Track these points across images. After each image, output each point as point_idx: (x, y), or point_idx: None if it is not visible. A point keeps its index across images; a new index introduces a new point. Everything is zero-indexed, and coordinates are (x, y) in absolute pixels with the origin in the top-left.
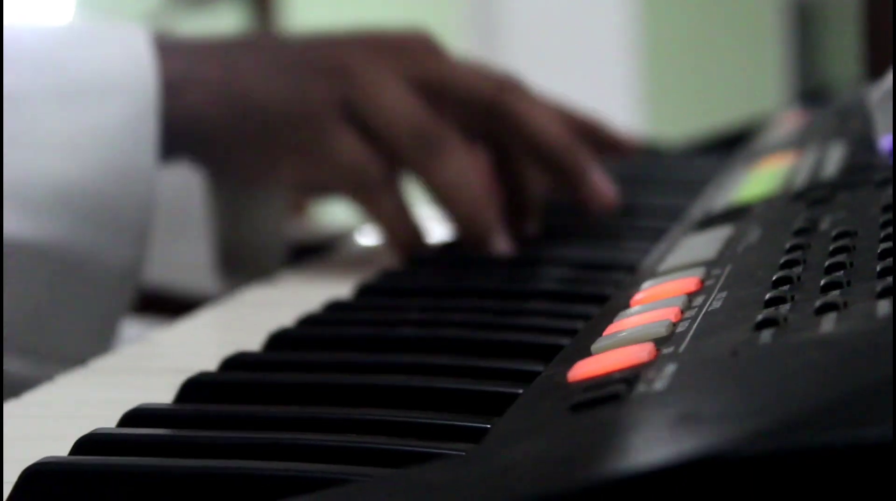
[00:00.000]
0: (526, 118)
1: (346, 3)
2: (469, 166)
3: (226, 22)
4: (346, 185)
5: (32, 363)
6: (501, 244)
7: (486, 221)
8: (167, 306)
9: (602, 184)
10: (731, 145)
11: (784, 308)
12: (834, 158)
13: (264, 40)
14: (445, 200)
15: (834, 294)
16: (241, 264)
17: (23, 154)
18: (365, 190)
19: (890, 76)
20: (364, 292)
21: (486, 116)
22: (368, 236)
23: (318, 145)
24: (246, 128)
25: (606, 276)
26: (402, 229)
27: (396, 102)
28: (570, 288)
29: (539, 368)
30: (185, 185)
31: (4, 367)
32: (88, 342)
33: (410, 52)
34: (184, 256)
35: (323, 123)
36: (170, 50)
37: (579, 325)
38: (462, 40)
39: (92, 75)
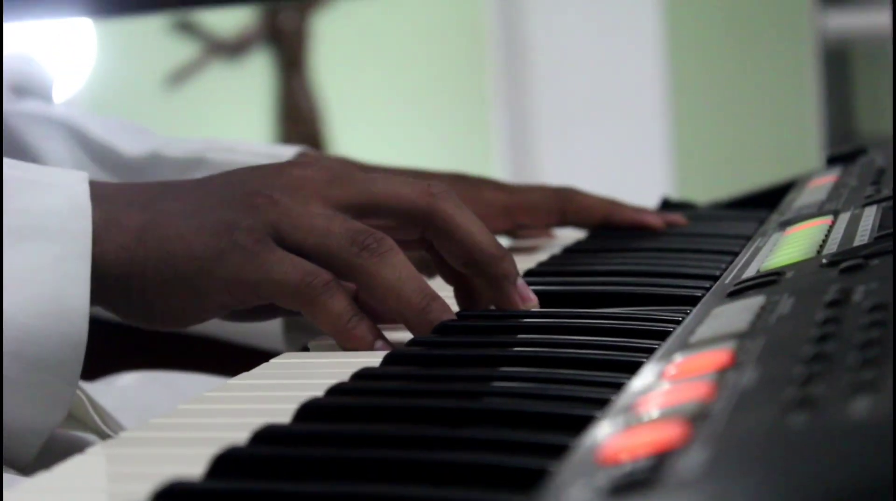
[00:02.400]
0: (459, 225)
1: (370, 56)
2: (408, 263)
3: (255, 72)
4: (288, 300)
5: None
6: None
7: (440, 312)
8: (237, 358)
9: (526, 291)
10: (766, 202)
11: (819, 388)
12: (866, 224)
13: (186, 183)
14: (393, 297)
15: (868, 373)
16: (301, 319)
17: None
18: (308, 298)
19: None
20: (392, 361)
21: (418, 223)
22: None
23: (251, 271)
24: (170, 270)
25: (638, 343)
26: (353, 328)
27: (325, 220)
28: (601, 355)
29: (569, 441)
30: None
31: None
32: (17, 447)
33: (332, 179)
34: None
35: (254, 249)
36: (97, 197)
37: (610, 395)
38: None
39: (31, 219)
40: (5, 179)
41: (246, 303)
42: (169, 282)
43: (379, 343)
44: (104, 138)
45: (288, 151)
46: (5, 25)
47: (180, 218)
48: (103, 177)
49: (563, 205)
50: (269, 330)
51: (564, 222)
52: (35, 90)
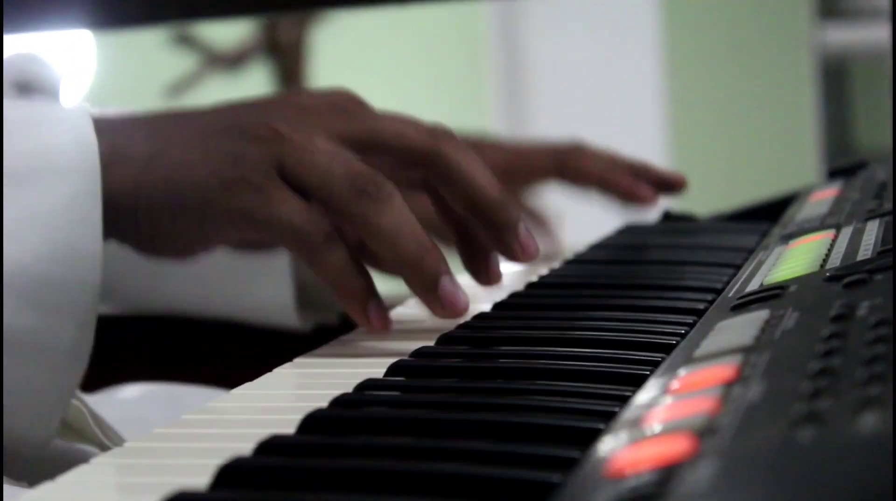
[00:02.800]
0: (462, 169)
1: (368, 68)
2: (408, 210)
3: (254, 85)
4: (289, 244)
5: None
6: (450, 288)
7: (433, 262)
8: (252, 340)
9: (527, 239)
10: (767, 214)
11: (825, 403)
12: (869, 238)
13: (191, 113)
14: (389, 245)
15: (874, 389)
16: (315, 299)
17: None
18: (309, 248)
19: None
20: (396, 371)
21: (421, 165)
22: (411, 307)
23: (258, 207)
24: (176, 198)
25: (642, 355)
26: (349, 283)
27: (328, 158)
28: (606, 368)
29: (576, 454)
30: None
31: None
32: (34, 422)
33: (337, 111)
34: (269, 292)
35: (260, 184)
36: (101, 130)
37: (616, 407)
38: (492, 113)
39: (37, 158)
40: (7, 121)
41: (248, 236)
42: (175, 211)
43: (373, 306)
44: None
45: None
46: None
47: (186, 147)
48: None
49: (561, 165)
50: (282, 308)
51: (563, 181)
52: (40, 88)
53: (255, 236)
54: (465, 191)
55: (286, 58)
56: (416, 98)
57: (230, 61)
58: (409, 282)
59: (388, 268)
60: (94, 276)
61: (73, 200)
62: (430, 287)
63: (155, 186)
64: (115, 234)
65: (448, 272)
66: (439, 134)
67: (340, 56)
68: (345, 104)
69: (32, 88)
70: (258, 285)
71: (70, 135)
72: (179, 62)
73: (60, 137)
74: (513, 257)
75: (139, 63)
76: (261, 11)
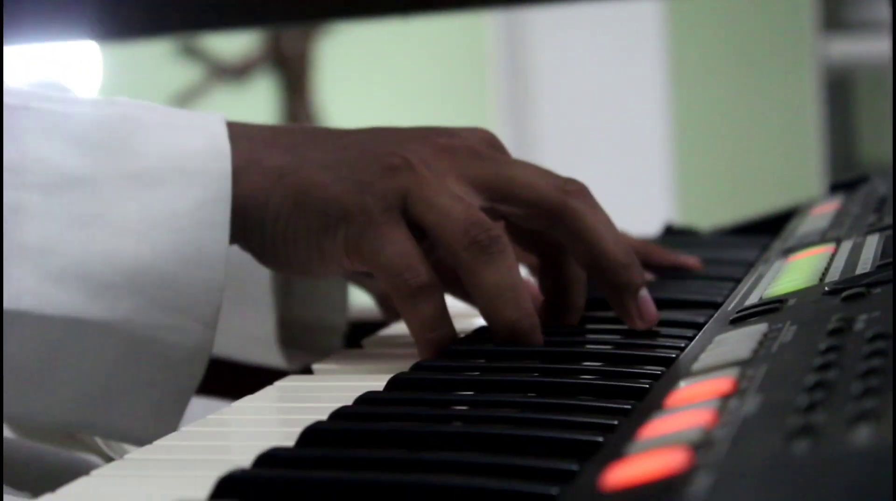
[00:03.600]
0: (590, 226)
1: (372, 80)
2: (516, 271)
3: (259, 96)
4: (386, 284)
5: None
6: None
7: (527, 331)
8: (229, 376)
9: (648, 307)
10: (769, 228)
11: (821, 416)
12: (869, 252)
13: (328, 131)
14: (488, 302)
15: (869, 402)
16: (303, 339)
17: (94, 236)
18: (403, 293)
19: None
20: (396, 385)
21: (548, 218)
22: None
23: (368, 240)
24: (303, 218)
25: (643, 369)
26: (433, 337)
27: (451, 200)
28: (607, 382)
29: (575, 466)
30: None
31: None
32: (154, 421)
33: (473, 154)
34: (249, 326)
35: (377, 218)
36: (237, 136)
37: (616, 421)
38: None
39: (170, 161)
40: (144, 123)
41: (358, 267)
42: (299, 229)
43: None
44: None
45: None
46: (14, 48)
47: (320, 166)
48: None
49: None
50: (264, 346)
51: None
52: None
53: (363, 267)
54: (590, 248)
55: (291, 69)
56: (420, 109)
57: (236, 73)
58: (497, 339)
59: (484, 319)
60: (219, 278)
61: (202, 203)
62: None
63: (284, 202)
64: (240, 240)
65: (539, 343)
66: (570, 188)
67: (345, 68)
68: (482, 148)
69: None
70: (238, 320)
71: (204, 140)
72: (185, 73)
73: (194, 142)
74: (630, 320)
75: (145, 74)
76: (265, 23)
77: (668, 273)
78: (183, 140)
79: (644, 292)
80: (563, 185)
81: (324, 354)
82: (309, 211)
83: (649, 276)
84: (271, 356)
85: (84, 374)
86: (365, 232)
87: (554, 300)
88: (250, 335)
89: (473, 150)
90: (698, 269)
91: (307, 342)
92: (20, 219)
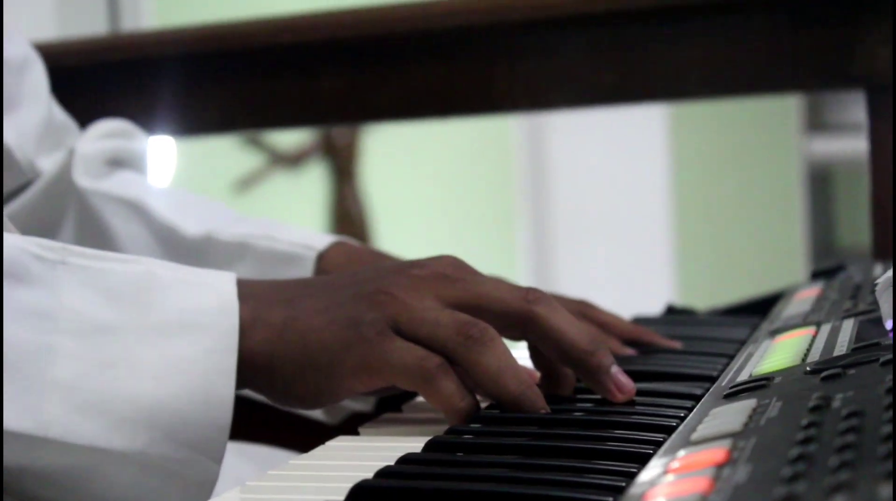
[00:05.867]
0: (554, 327)
1: (413, 170)
2: (509, 352)
3: (312, 181)
4: (406, 382)
5: None
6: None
7: (533, 400)
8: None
9: (620, 382)
10: (758, 309)
11: (802, 486)
12: (845, 336)
13: (321, 282)
14: (493, 383)
15: (844, 475)
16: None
17: (117, 377)
18: (423, 381)
19: (891, 270)
20: (433, 447)
21: (517, 326)
22: None
23: (374, 359)
24: (307, 360)
25: (646, 436)
26: (460, 408)
27: (437, 313)
28: (616, 447)
29: None
30: None
31: None
32: None
33: (443, 279)
34: None
35: (374, 340)
36: (245, 294)
37: (623, 483)
38: (517, 216)
39: (185, 315)
40: (163, 280)
41: (370, 386)
42: (306, 369)
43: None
44: (167, 218)
45: (322, 241)
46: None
47: (315, 314)
48: (164, 255)
49: None
50: None
51: None
52: (129, 163)
53: (376, 384)
54: (558, 346)
55: (340, 158)
56: (451, 200)
57: (291, 161)
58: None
59: (492, 399)
60: (226, 418)
61: (211, 353)
62: None
63: (289, 350)
64: (252, 385)
65: (545, 408)
66: (532, 297)
67: (388, 157)
68: (451, 272)
69: (122, 162)
70: None
71: (214, 298)
72: (247, 161)
73: (207, 299)
74: (610, 395)
75: (212, 161)
76: (320, 123)
77: (670, 350)
78: (196, 297)
79: (615, 369)
80: (525, 295)
81: (370, 402)
82: (311, 353)
83: (629, 350)
84: (314, 412)
85: (106, 490)
86: (368, 354)
87: (547, 374)
88: None
89: (444, 275)
90: (675, 348)
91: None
92: (53, 358)
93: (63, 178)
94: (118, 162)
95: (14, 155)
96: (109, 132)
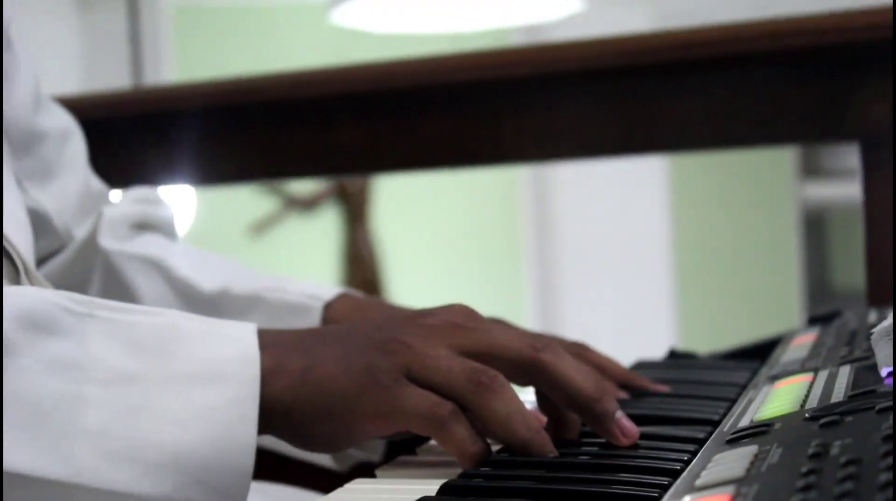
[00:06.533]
0: (561, 374)
1: (422, 213)
2: (518, 399)
3: (325, 225)
4: (420, 428)
5: None
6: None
7: (541, 445)
8: (284, 471)
9: (625, 426)
10: (758, 353)
11: None
12: (842, 382)
13: (337, 330)
14: (503, 428)
15: None
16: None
17: (143, 424)
18: (436, 427)
19: (888, 319)
20: (446, 490)
21: (526, 373)
22: None
23: (389, 405)
24: (325, 406)
25: (652, 479)
26: (473, 452)
27: (448, 361)
28: (623, 490)
29: None
30: None
31: None
32: None
33: (455, 328)
34: None
35: (389, 387)
36: (265, 345)
37: None
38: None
39: (208, 365)
40: (186, 332)
41: (385, 431)
42: (323, 415)
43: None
44: (186, 274)
45: (329, 292)
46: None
47: (333, 362)
48: (183, 308)
49: None
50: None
51: None
52: (154, 228)
53: (390, 429)
54: (565, 392)
55: (353, 202)
56: (460, 242)
57: (306, 205)
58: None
59: (503, 443)
60: (248, 463)
61: (233, 402)
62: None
63: (308, 397)
64: (272, 430)
65: (553, 452)
66: (539, 344)
67: (398, 201)
68: (461, 321)
69: (148, 227)
70: None
71: (236, 349)
72: (264, 205)
73: (229, 350)
74: (615, 440)
75: (228, 206)
76: (335, 173)
77: (672, 392)
78: (219, 348)
79: (619, 414)
80: (534, 343)
81: (378, 452)
82: (330, 401)
83: (622, 394)
84: (322, 459)
85: None
86: (383, 401)
87: (553, 419)
88: None
89: (454, 324)
90: (664, 392)
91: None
92: (82, 407)
93: (90, 241)
94: (143, 226)
95: (53, 222)
96: (136, 199)
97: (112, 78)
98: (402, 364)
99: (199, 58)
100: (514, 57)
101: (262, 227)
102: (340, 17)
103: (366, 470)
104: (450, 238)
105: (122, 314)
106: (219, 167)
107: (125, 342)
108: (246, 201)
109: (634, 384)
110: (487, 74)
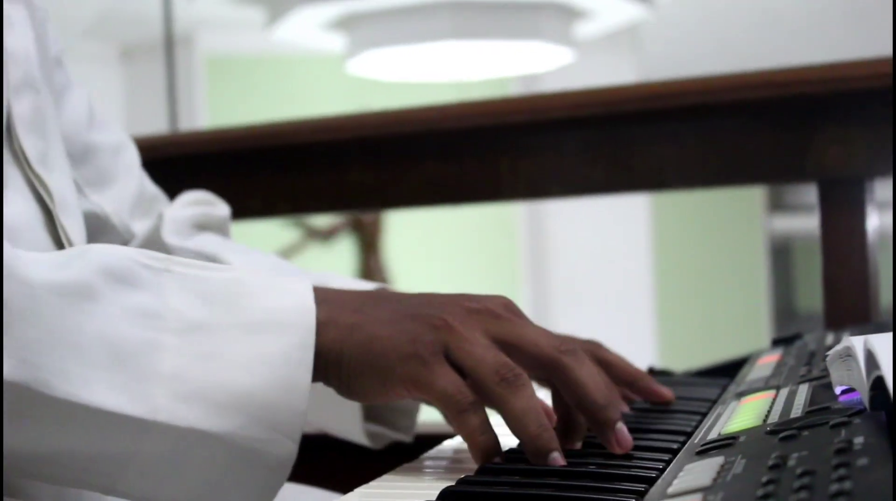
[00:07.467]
0: (577, 378)
1: (430, 242)
2: (536, 398)
3: (341, 253)
4: (442, 406)
5: None
6: (559, 460)
7: (548, 442)
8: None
9: (622, 437)
10: (727, 372)
11: None
12: (800, 399)
13: (388, 296)
14: (516, 422)
15: None
16: (385, 416)
17: (212, 368)
18: (456, 411)
19: (842, 342)
20: (445, 496)
21: (545, 370)
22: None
23: (422, 376)
24: (367, 361)
25: (628, 486)
26: (483, 441)
27: (482, 349)
28: (597, 497)
29: None
30: None
31: None
32: None
33: (493, 316)
34: (338, 411)
35: (426, 360)
36: (320, 300)
37: None
38: (520, 287)
39: (270, 314)
40: (251, 286)
41: (413, 397)
42: (366, 370)
43: (497, 460)
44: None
45: (367, 286)
46: None
47: (380, 324)
48: None
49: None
50: (350, 427)
51: None
52: (212, 228)
53: (419, 395)
54: (577, 394)
55: (367, 233)
56: (464, 269)
57: (324, 235)
58: (526, 450)
59: (512, 432)
60: (303, 404)
61: (292, 347)
62: (541, 460)
63: (354, 350)
64: (322, 378)
65: (557, 450)
66: (565, 348)
67: (408, 232)
68: (501, 311)
69: (207, 227)
70: (329, 404)
71: (295, 299)
72: (286, 235)
73: (288, 301)
74: (610, 447)
75: (255, 236)
76: (348, 209)
77: (652, 407)
78: (279, 299)
79: (620, 425)
80: (559, 345)
81: (403, 430)
82: (373, 356)
83: (625, 408)
84: (358, 437)
85: (200, 471)
86: (420, 371)
87: (563, 418)
88: (339, 419)
89: (494, 312)
90: (673, 401)
91: (388, 418)
92: (159, 353)
93: (154, 238)
94: (202, 226)
95: (111, 220)
96: (195, 201)
97: (151, 124)
98: (442, 341)
99: (229, 104)
100: (509, 106)
101: (286, 255)
102: (356, 68)
103: (398, 448)
104: (454, 266)
105: (194, 269)
106: (247, 204)
107: (197, 294)
108: (272, 232)
109: (641, 385)
110: (486, 120)
